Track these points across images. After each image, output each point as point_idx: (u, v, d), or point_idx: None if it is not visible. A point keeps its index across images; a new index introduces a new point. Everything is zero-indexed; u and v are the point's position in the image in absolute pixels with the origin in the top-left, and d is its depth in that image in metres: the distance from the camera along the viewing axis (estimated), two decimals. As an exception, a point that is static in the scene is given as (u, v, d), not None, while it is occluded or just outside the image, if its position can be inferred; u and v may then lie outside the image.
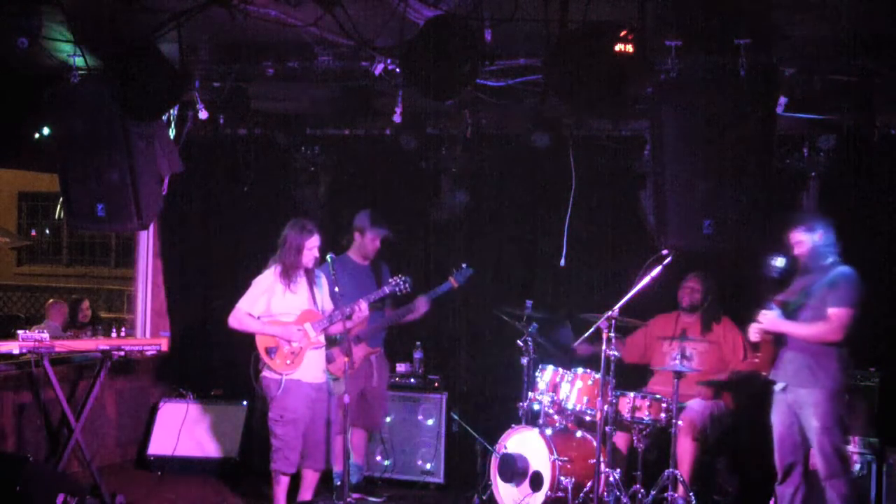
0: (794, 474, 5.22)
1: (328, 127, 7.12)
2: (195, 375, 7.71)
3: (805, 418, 5.09)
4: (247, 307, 5.72)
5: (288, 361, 5.66)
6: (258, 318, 5.72)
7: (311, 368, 5.73)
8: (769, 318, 5.17)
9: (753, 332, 5.30)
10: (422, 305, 6.39)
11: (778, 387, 5.24)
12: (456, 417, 6.87)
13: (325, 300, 5.85)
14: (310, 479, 5.82)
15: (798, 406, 5.12)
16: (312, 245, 5.71)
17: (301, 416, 5.66)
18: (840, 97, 5.51)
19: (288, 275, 5.70)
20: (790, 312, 5.18)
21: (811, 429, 5.06)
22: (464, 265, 6.46)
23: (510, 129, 6.87)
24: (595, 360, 5.77)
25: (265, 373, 5.73)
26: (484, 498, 6.19)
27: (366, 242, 6.40)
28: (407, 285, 6.14)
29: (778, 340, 5.24)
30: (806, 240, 5.15)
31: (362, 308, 5.81)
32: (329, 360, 5.92)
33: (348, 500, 5.62)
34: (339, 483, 6.04)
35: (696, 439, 5.86)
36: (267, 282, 5.73)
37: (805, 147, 6.09)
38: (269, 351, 5.68)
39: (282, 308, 5.72)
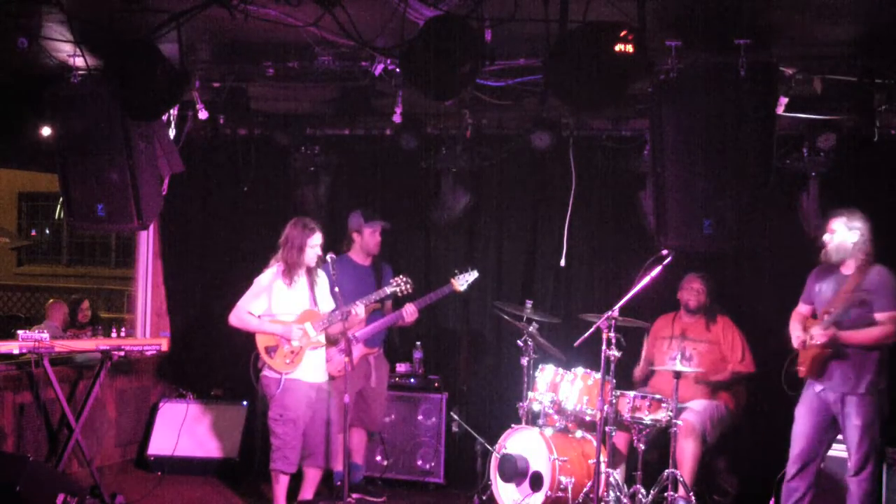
0: (809, 471, 5.24)
1: (328, 127, 7.12)
2: (195, 375, 7.71)
3: (845, 417, 5.12)
4: (247, 305, 5.72)
5: (287, 361, 5.66)
6: (259, 316, 5.72)
7: (311, 368, 5.74)
8: (825, 336, 5.12)
9: (813, 339, 5.24)
10: (409, 313, 6.23)
11: (817, 387, 5.25)
12: (456, 417, 6.87)
13: (325, 300, 5.85)
14: (311, 477, 5.83)
15: (838, 405, 5.15)
16: (315, 243, 5.72)
17: (301, 415, 5.67)
18: (840, 97, 5.51)
19: (290, 273, 5.71)
20: (837, 319, 5.16)
21: (851, 427, 5.09)
22: (469, 268, 6.32)
23: (510, 129, 6.88)
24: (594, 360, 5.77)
25: (265, 372, 5.74)
26: (484, 498, 6.19)
27: (366, 239, 6.37)
28: (409, 286, 6.12)
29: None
30: (839, 232, 5.19)
31: (359, 311, 5.81)
32: (326, 359, 5.92)
33: (348, 499, 5.62)
34: (338, 483, 6.05)
35: (696, 439, 5.86)
36: (268, 280, 5.74)
37: (805, 147, 6.08)
38: (268, 350, 5.69)
39: (283, 307, 5.72)
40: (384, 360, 6.65)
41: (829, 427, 5.23)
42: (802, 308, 5.47)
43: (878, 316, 5.07)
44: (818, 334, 5.14)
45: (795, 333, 5.37)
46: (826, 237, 5.25)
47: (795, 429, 5.32)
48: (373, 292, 6.11)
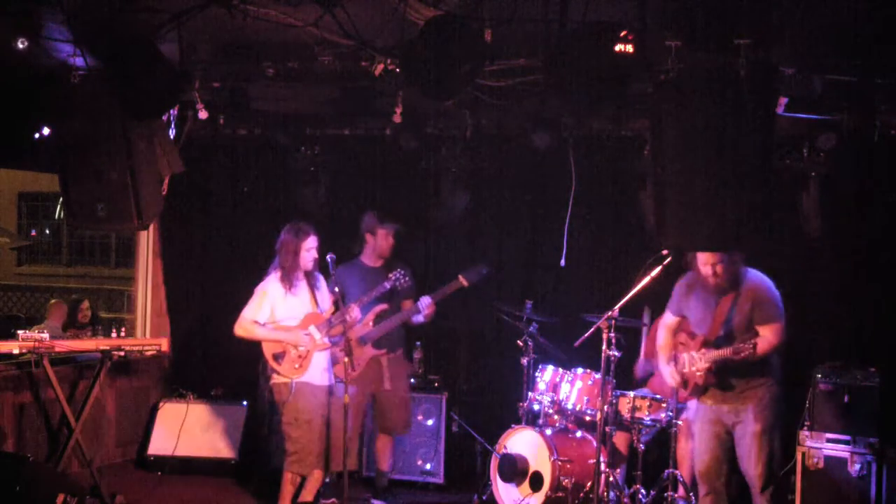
0: (717, 490, 5.18)
1: (328, 127, 7.11)
2: (195, 375, 7.72)
3: (742, 426, 5.03)
4: (251, 315, 5.73)
5: (296, 366, 5.67)
6: (263, 324, 5.72)
7: (318, 370, 5.75)
8: (705, 361, 5.07)
9: (696, 377, 5.17)
10: (426, 306, 6.21)
11: (707, 400, 5.20)
12: (456, 417, 6.86)
13: (326, 302, 5.84)
14: (315, 479, 5.81)
15: (734, 415, 5.07)
16: (310, 246, 5.72)
17: (315, 417, 5.67)
18: (840, 97, 5.50)
19: (288, 278, 5.71)
20: (716, 339, 5.11)
21: (749, 435, 4.99)
22: (480, 264, 6.29)
23: (510, 129, 6.87)
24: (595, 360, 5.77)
25: (275, 379, 5.73)
26: (484, 498, 6.19)
27: (379, 241, 6.35)
28: (406, 278, 6.10)
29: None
30: (725, 261, 4.99)
31: (353, 314, 5.78)
32: (334, 362, 5.90)
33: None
34: (337, 482, 6.04)
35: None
36: (268, 288, 5.74)
37: (805, 147, 6.09)
38: (276, 357, 5.69)
39: (285, 313, 5.72)
40: (402, 361, 6.54)
41: (726, 438, 5.12)
42: (669, 319, 5.40)
43: (761, 329, 4.98)
44: (698, 369, 5.06)
45: (667, 369, 5.29)
46: (709, 270, 5.01)
47: (695, 446, 5.25)
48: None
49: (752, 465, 5.02)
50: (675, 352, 5.32)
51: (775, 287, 5.11)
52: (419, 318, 6.31)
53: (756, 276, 5.11)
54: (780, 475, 5.25)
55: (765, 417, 5.00)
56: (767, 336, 4.99)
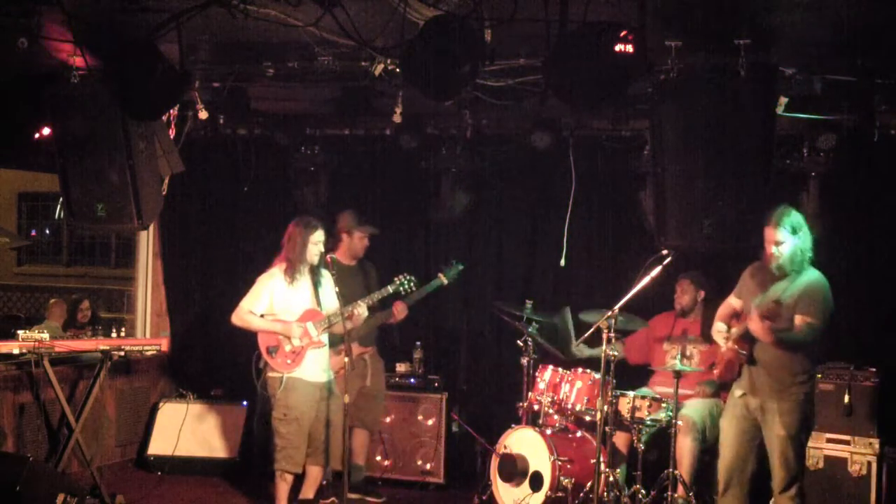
0: (739, 486, 5.13)
1: (328, 127, 7.12)
2: (195, 375, 7.72)
3: (768, 426, 4.98)
4: (249, 304, 5.73)
5: (288, 361, 5.66)
6: (261, 315, 5.72)
7: (313, 367, 5.73)
8: (739, 329, 5.06)
9: (729, 350, 5.15)
10: (400, 310, 6.31)
11: (737, 392, 5.16)
12: (456, 417, 6.87)
13: (328, 299, 5.84)
14: (313, 476, 5.82)
15: (761, 412, 5.02)
16: (318, 240, 5.73)
17: (304, 413, 5.66)
18: (840, 97, 5.51)
19: (293, 271, 5.71)
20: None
21: (774, 437, 4.94)
22: (453, 261, 6.42)
23: (510, 129, 6.88)
24: (594, 360, 5.77)
25: (268, 372, 5.73)
26: (484, 498, 6.19)
27: (355, 242, 6.39)
28: (412, 284, 6.13)
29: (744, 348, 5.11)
30: (788, 242, 4.92)
31: (361, 311, 5.79)
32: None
33: (350, 497, 5.60)
34: (338, 482, 6.04)
35: (695, 439, 5.85)
36: (270, 279, 5.75)
37: (805, 147, 6.09)
38: (270, 350, 5.68)
39: (284, 306, 5.72)
40: (378, 358, 6.63)
41: (754, 435, 5.07)
42: (733, 301, 5.32)
43: (797, 318, 4.88)
44: (730, 342, 5.06)
45: (716, 326, 5.27)
46: (773, 250, 4.93)
47: (721, 439, 5.22)
48: (360, 292, 6.09)
49: (774, 466, 4.97)
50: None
51: (830, 293, 4.96)
52: (397, 318, 6.38)
53: (816, 274, 5.00)
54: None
55: (790, 424, 4.91)
56: (799, 327, 4.87)
